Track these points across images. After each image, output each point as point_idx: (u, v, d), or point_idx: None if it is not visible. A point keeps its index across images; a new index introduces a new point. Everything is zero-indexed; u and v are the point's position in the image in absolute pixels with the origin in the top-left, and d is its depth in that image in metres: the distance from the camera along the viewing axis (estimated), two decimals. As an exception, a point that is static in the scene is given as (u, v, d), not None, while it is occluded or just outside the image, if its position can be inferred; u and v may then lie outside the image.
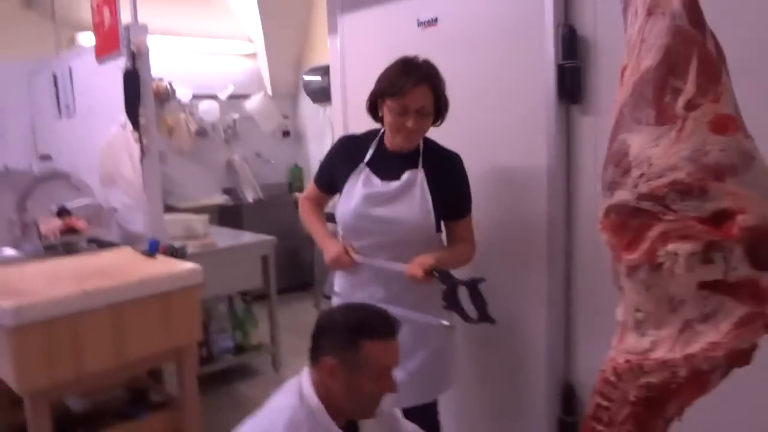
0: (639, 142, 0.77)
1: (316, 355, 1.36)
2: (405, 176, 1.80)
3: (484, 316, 1.68)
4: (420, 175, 1.80)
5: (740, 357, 0.76)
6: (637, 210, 0.77)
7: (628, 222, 0.78)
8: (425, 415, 1.86)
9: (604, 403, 0.86)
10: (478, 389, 2.20)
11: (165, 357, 2.45)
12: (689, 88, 0.77)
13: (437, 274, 1.69)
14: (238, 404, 3.23)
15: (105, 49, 2.90)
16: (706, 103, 0.76)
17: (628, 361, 0.82)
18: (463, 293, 1.70)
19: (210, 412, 2.94)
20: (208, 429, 2.71)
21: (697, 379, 0.77)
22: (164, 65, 4.60)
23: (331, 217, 2.05)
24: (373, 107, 1.84)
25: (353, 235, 1.88)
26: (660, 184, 0.74)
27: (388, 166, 1.83)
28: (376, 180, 1.83)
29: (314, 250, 4.76)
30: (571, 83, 1.74)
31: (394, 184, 1.80)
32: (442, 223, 1.89)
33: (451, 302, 1.69)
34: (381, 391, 1.35)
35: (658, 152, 0.75)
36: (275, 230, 3.76)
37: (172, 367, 2.67)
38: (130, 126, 2.75)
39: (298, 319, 4.54)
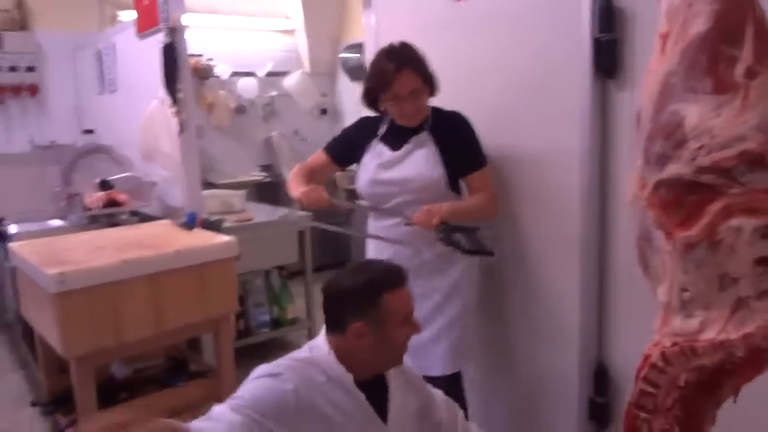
0: (697, 113, 0.73)
1: (336, 323, 1.38)
2: (411, 140, 1.94)
3: (481, 250, 1.80)
4: (425, 136, 1.94)
5: None
6: (694, 184, 0.73)
7: (683, 197, 0.74)
8: (450, 389, 1.88)
9: (650, 389, 0.83)
10: (507, 367, 2.20)
11: (202, 327, 2.51)
12: (746, 55, 0.73)
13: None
14: (273, 377, 3.29)
15: (145, 24, 2.96)
16: (765, 71, 0.73)
17: (675, 344, 0.79)
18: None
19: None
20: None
21: (755, 358, 0.75)
22: (204, 42, 4.65)
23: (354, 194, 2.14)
24: (373, 102, 1.96)
25: (373, 202, 2.02)
26: (727, 156, 0.70)
27: (398, 138, 1.98)
28: (386, 150, 1.98)
29: (351, 229, 4.80)
30: (608, 57, 1.69)
31: (402, 150, 1.95)
32: (461, 184, 1.99)
33: (446, 238, 1.80)
34: (407, 336, 1.39)
35: (721, 122, 0.71)
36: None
37: (210, 339, 2.78)
38: (168, 101, 2.82)
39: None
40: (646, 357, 0.84)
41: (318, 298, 3.81)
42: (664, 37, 0.83)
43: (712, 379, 0.80)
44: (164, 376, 2.67)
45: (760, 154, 0.69)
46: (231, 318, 2.57)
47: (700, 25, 0.76)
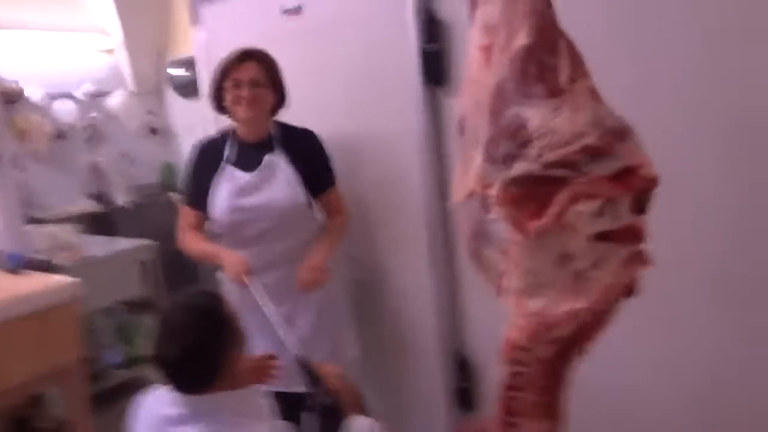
0: (538, 115, 0.81)
1: (209, 375, 1.29)
2: (264, 161, 1.88)
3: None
4: (279, 156, 1.90)
5: (630, 290, 0.87)
6: (542, 178, 0.80)
7: (532, 191, 0.82)
8: None
9: (519, 368, 0.90)
10: (374, 366, 2.28)
11: (47, 380, 2.29)
12: (564, 64, 0.84)
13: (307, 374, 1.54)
14: (134, 419, 3.09)
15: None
16: (579, 78, 0.84)
17: (532, 324, 0.87)
18: None
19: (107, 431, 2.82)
20: (105, 450, 2.60)
21: (599, 320, 0.87)
22: (8, 62, 4.23)
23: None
24: (218, 102, 1.92)
25: (233, 230, 1.92)
26: (571, 150, 0.79)
27: (248, 158, 1.91)
28: (239, 173, 1.90)
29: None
30: (435, 66, 1.81)
31: (257, 172, 1.88)
32: (313, 200, 1.98)
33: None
34: None
35: (561, 122, 0.80)
36: (154, 234, 3.60)
37: (56, 390, 2.54)
38: (-25, 132, 2.55)
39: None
40: (510, 341, 0.91)
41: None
42: (487, 49, 0.91)
43: (567, 347, 0.90)
44: (5, 441, 2.42)
45: (598, 146, 0.79)
46: (78, 365, 2.38)
47: (522, 38, 0.86)
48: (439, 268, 1.97)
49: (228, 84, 1.86)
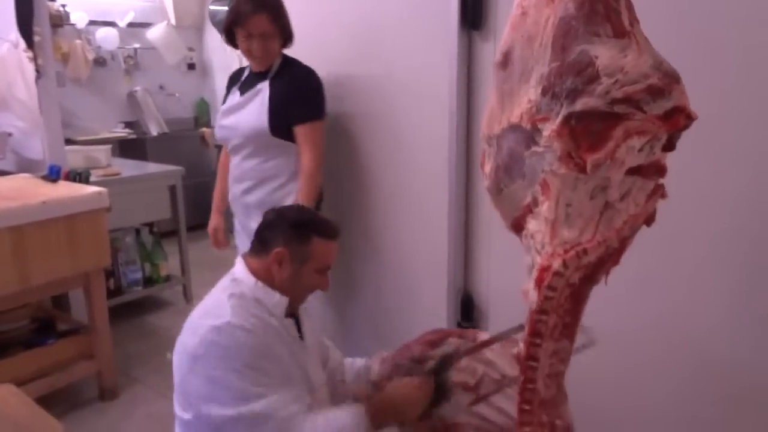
0: (607, 54, 0.82)
1: (262, 244, 1.41)
2: (254, 88, 2.03)
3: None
4: (265, 85, 2.01)
5: (652, 218, 0.93)
6: (603, 114, 0.82)
7: (591, 126, 0.83)
8: None
9: (551, 294, 0.93)
10: (380, 300, 2.32)
11: (72, 282, 2.37)
12: (623, 8, 0.85)
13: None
14: (148, 334, 3.16)
15: (-9, -42, 2.69)
16: (635, 23, 0.86)
17: (567, 251, 0.91)
18: None
19: (120, 342, 2.91)
20: (119, 358, 2.66)
21: (623, 245, 0.92)
22: (55, -14, 4.29)
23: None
24: (231, 36, 2.04)
25: (223, 143, 2.17)
26: (638, 89, 0.81)
27: (249, 83, 2.07)
28: (236, 95, 2.08)
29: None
30: (473, 11, 1.80)
31: (243, 97, 2.05)
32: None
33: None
34: (316, 285, 1.44)
35: (629, 62, 0.82)
36: (182, 165, 3.69)
37: (78, 298, 2.65)
38: (22, 44, 2.54)
39: (208, 254, 4.50)
40: (546, 268, 0.94)
41: (192, 258, 3.76)
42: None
43: (594, 271, 0.95)
44: (30, 337, 2.52)
45: (660, 87, 0.81)
46: (102, 272, 2.48)
47: (588, -22, 0.85)
48: (456, 212, 1.98)
49: (240, 33, 1.96)
